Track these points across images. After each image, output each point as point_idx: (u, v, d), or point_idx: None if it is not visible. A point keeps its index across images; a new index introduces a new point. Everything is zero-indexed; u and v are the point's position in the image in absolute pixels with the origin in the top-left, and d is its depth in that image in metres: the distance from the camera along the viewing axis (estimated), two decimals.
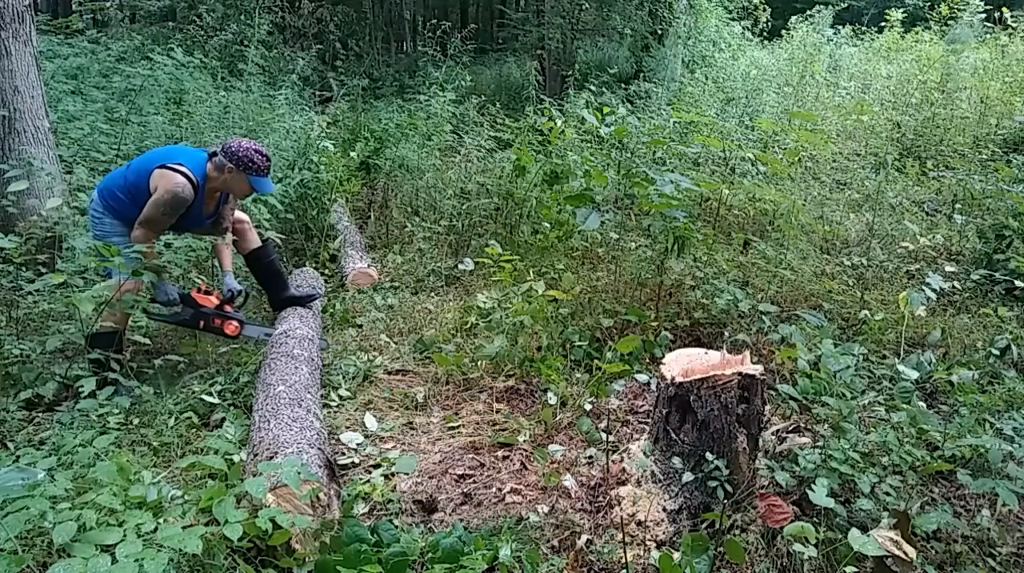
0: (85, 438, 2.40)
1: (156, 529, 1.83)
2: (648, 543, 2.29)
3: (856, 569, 2.00)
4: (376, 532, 2.19)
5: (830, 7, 12.11)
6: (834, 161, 7.07)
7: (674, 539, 2.30)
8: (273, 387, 2.89)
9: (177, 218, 3.35)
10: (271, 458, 2.32)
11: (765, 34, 12.11)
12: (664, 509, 2.35)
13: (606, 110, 4.80)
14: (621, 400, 3.27)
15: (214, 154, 3.41)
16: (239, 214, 3.84)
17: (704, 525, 2.31)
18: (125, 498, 1.99)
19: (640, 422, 3.10)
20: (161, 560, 1.69)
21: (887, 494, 2.35)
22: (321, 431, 2.67)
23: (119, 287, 3.16)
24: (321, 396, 3.25)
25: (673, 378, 2.37)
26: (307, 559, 2.08)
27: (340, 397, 3.31)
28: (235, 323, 3.59)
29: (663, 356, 2.61)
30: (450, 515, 2.50)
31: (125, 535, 1.78)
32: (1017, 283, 4.11)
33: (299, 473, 2.06)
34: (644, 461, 2.46)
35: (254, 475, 2.14)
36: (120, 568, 1.66)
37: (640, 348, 3.54)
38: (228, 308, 3.60)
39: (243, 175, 3.38)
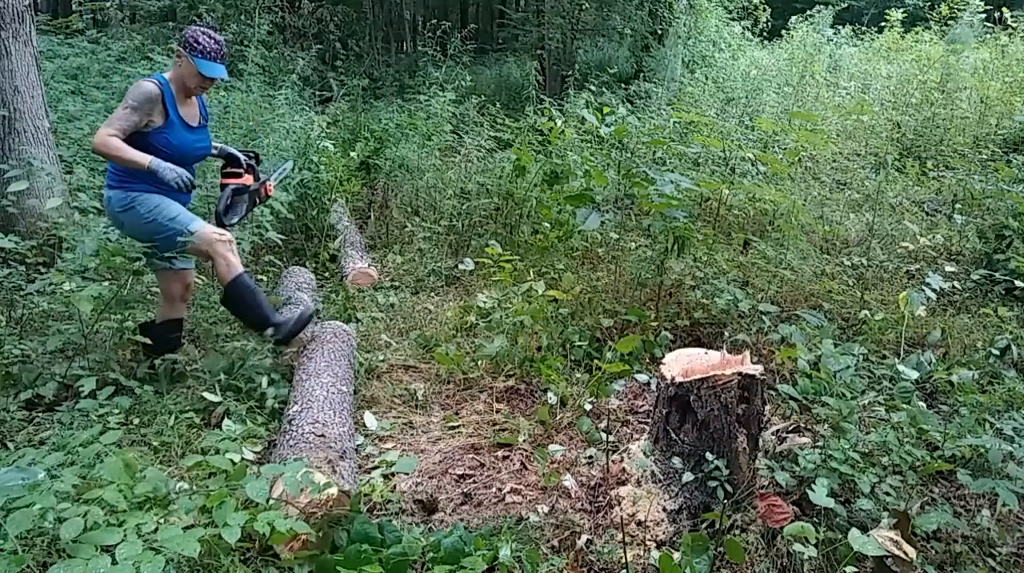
0: (92, 434, 2.39)
1: (156, 530, 1.83)
2: (648, 543, 2.29)
3: (856, 569, 2.00)
4: (380, 531, 2.19)
5: (830, 7, 12.12)
6: (834, 161, 7.07)
7: (674, 539, 2.30)
8: (316, 375, 3.01)
9: (167, 138, 3.09)
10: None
11: (765, 34, 12.11)
12: (664, 509, 2.35)
13: (606, 110, 4.80)
14: (621, 400, 3.27)
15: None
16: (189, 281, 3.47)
17: (704, 525, 2.31)
18: (130, 496, 1.99)
19: (640, 422, 3.10)
20: (158, 563, 1.69)
21: (887, 494, 2.35)
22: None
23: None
24: None
25: (673, 378, 2.37)
26: (303, 562, 2.07)
27: None
28: (269, 182, 3.49)
29: (663, 356, 2.61)
30: (450, 515, 2.50)
31: (126, 536, 1.78)
32: (1017, 283, 4.11)
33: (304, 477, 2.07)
34: (644, 461, 2.46)
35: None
36: (119, 569, 1.66)
37: (640, 348, 3.54)
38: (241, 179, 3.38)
39: (190, 59, 3.12)
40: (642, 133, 5.64)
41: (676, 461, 2.36)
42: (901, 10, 12.16)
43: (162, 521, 1.89)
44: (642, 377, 3.19)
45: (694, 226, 4.08)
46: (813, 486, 2.17)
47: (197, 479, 2.45)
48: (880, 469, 2.46)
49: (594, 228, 3.81)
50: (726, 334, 3.67)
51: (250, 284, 3.24)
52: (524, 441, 2.95)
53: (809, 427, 2.89)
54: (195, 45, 3.12)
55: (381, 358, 3.70)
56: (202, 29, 3.17)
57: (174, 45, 3.16)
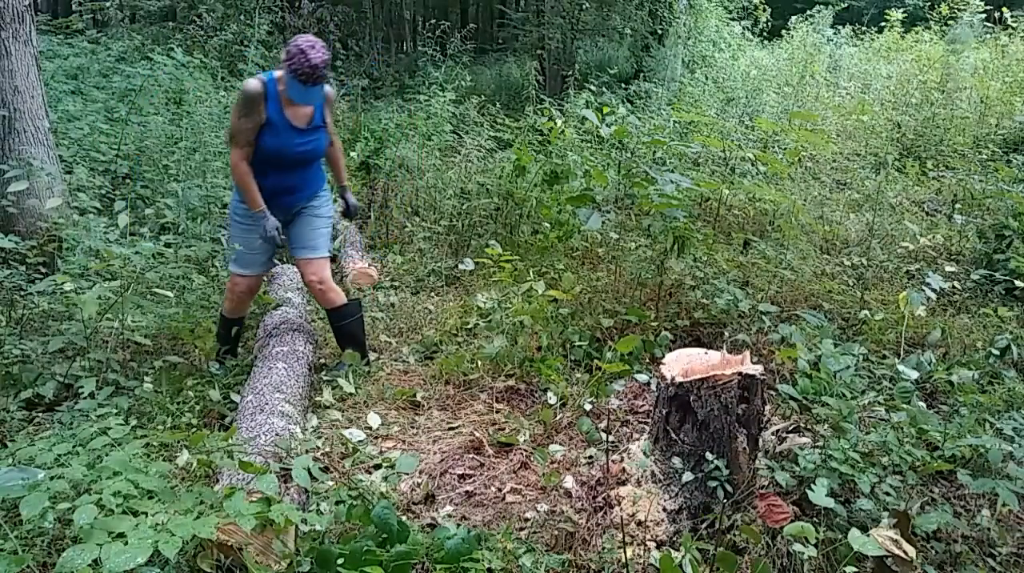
0: (98, 428, 2.39)
1: (168, 520, 1.83)
2: (648, 543, 2.29)
3: (856, 569, 2.00)
4: (398, 524, 2.19)
5: (830, 7, 12.11)
6: (834, 161, 7.07)
7: (674, 539, 2.30)
8: (243, 397, 2.90)
9: (263, 139, 3.02)
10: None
11: (765, 34, 12.10)
12: (664, 509, 2.36)
13: (606, 110, 4.81)
14: (621, 400, 3.27)
15: None
16: (321, 274, 3.41)
17: (704, 525, 2.31)
18: (139, 487, 1.99)
19: (640, 422, 3.10)
20: (175, 542, 1.73)
21: (887, 494, 2.35)
22: (284, 429, 2.67)
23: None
24: (319, 388, 3.26)
25: (673, 378, 2.37)
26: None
27: (340, 396, 3.31)
28: None
29: (663, 356, 2.61)
30: (451, 515, 2.50)
31: (139, 524, 1.79)
32: (1017, 283, 4.12)
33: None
34: (644, 461, 2.46)
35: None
36: (135, 548, 1.68)
37: (640, 348, 3.54)
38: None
39: (288, 76, 2.89)
40: (642, 133, 5.64)
41: (676, 461, 2.36)
42: (901, 10, 12.15)
43: (171, 513, 1.89)
44: (642, 377, 3.19)
45: (694, 226, 4.08)
46: (813, 486, 2.17)
47: (199, 480, 2.45)
48: (880, 469, 2.46)
49: (595, 228, 3.81)
50: (726, 334, 3.67)
51: (229, 325, 3.47)
52: (524, 441, 2.95)
53: (809, 427, 2.89)
54: (290, 64, 2.88)
55: (381, 358, 3.70)
56: (307, 42, 2.89)
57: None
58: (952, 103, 7.97)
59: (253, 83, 3.00)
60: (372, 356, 3.70)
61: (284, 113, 3.08)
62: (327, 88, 3.18)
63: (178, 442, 2.69)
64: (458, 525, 2.31)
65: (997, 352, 3.41)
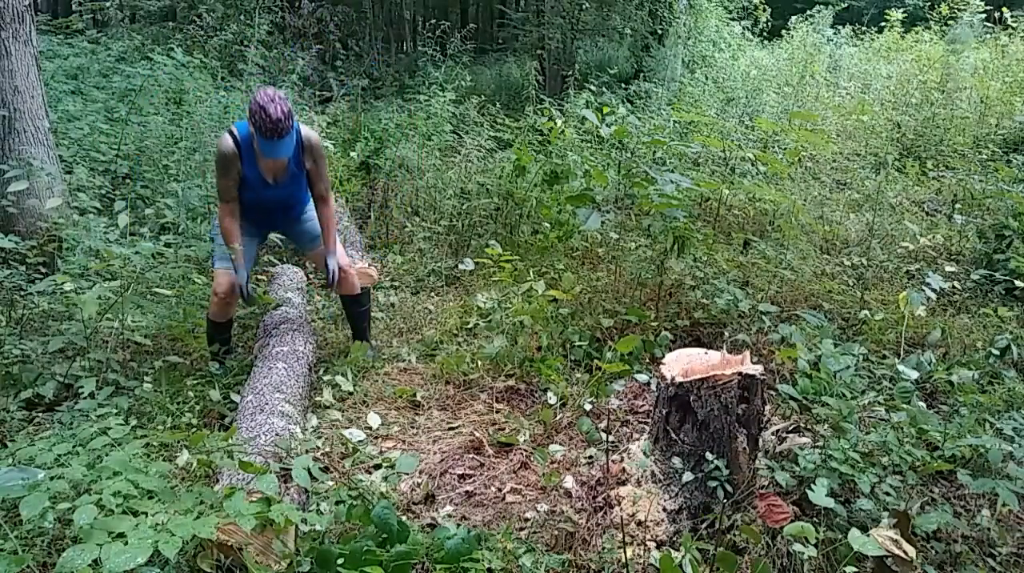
0: (97, 428, 2.39)
1: (168, 520, 1.83)
2: (648, 543, 2.29)
3: (856, 569, 2.00)
4: (398, 524, 2.19)
5: (830, 7, 12.10)
6: (834, 161, 7.07)
7: (674, 539, 2.30)
8: (243, 397, 2.90)
9: (242, 193, 3.08)
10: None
11: (765, 34, 12.10)
12: (664, 509, 2.36)
13: (606, 110, 4.81)
14: (621, 400, 3.27)
15: None
16: (344, 260, 3.48)
17: (704, 525, 2.31)
18: (139, 488, 1.99)
19: (640, 422, 3.10)
20: (175, 542, 1.73)
21: (887, 494, 2.35)
22: (284, 428, 2.66)
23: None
24: (319, 388, 3.26)
25: (673, 378, 2.37)
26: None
27: (340, 396, 3.31)
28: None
29: (663, 356, 2.61)
30: (451, 515, 2.50)
31: (139, 524, 1.79)
32: (1017, 283, 4.12)
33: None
34: (644, 461, 2.46)
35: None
36: (135, 549, 1.68)
37: (640, 348, 3.54)
38: None
39: (255, 132, 2.86)
40: (642, 133, 5.64)
41: (676, 461, 2.36)
42: (901, 10, 12.14)
43: (171, 513, 1.89)
44: (642, 377, 3.19)
45: (694, 226, 4.08)
46: (813, 486, 2.17)
47: (199, 480, 2.45)
48: (880, 469, 2.46)
49: (595, 228, 3.81)
50: (726, 334, 3.67)
51: (216, 328, 3.42)
52: (524, 441, 2.95)
53: (809, 427, 2.89)
54: (252, 119, 2.83)
55: (383, 356, 3.70)
56: (267, 95, 2.83)
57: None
58: (952, 103, 7.97)
59: (227, 143, 3.02)
60: (371, 353, 3.71)
61: (258, 168, 3.12)
62: (306, 132, 3.15)
63: (178, 442, 2.69)
64: (458, 525, 2.31)
65: (997, 352, 3.41)
